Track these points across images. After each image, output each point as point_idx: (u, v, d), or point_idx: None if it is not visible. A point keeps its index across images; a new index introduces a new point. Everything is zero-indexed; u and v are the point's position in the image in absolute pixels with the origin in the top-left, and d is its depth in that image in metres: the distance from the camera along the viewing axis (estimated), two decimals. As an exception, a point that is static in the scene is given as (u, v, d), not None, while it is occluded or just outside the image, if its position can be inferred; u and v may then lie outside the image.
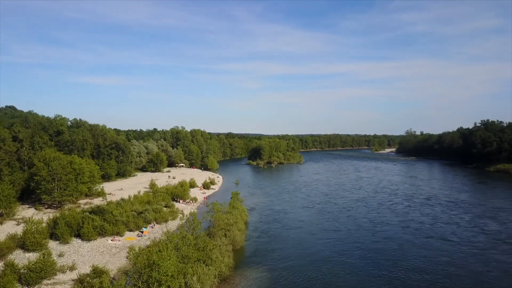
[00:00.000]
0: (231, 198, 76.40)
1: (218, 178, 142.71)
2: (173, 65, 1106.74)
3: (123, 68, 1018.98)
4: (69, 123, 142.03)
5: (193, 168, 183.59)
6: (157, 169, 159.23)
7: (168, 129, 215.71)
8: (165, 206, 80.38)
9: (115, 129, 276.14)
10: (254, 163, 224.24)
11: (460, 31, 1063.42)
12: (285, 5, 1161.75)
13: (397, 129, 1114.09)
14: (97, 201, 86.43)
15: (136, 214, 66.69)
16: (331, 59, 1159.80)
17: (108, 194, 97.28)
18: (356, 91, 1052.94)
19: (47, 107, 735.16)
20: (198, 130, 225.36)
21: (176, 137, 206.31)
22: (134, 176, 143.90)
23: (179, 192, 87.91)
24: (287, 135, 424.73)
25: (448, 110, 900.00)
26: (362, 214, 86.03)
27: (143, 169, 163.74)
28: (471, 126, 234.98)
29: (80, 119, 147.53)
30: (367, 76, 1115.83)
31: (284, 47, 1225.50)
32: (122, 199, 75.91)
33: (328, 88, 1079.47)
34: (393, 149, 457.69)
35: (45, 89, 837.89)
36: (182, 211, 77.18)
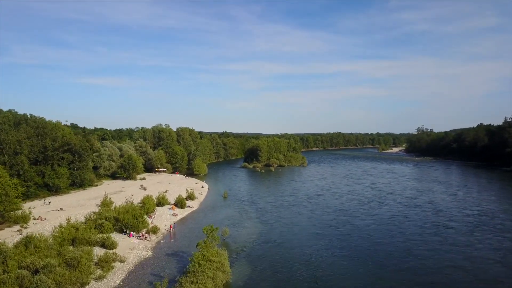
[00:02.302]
0: (197, 246, 46.02)
1: (203, 189, 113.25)
2: (172, 66, 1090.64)
3: (123, 69, 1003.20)
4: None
5: (175, 173, 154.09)
6: (129, 176, 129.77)
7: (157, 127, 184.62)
8: (102, 246, 51.16)
9: (101, 128, 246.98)
10: (251, 166, 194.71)
11: (459, 30, 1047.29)
12: (284, 5, 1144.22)
13: (397, 128, 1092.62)
14: (8, 234, 57.36)
15: (29, 273, 37.44)
16: (331, 58, 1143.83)
17: (36, 219, 68.01)
18: (356, 90, 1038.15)
19: (46, 108, 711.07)
20: (186, 128, 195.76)
21: (158, 136, 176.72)
22: (97, 185, 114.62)
23: (129, 220, 58.26)
24: (286, 134, 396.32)
25: (448, 109, 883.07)
26: (402, 250, 56.81)
27: (115, 176, 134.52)
28: (468, 124, 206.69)
29: (30, 115, 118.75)
30: (367, 75, 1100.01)
31: (284, 47, 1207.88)
32: (26, 238, 46.34)
33: (328, 87, 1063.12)
34: (401, 148, 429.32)
35: (44, 90, 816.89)
36: (124, 257, 47.66)
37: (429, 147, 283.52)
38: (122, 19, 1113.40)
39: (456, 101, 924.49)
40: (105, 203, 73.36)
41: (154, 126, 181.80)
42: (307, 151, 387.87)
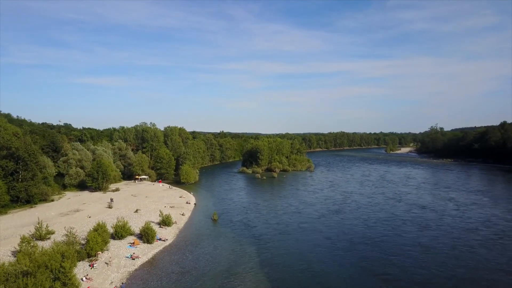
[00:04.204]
0: None
1: (187, 206, 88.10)
2: (171, 65, 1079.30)
3: (122, 69, 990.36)
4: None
5: (158, 182, 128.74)
6: (98, 187, 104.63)
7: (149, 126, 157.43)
8: None
9: (88, 128, 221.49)
10: (249, 170, 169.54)
11: (458, 28, 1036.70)
12: (283, 4, 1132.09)
13: (397, 127, 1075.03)
14: None
15: None
16: (330, 58, 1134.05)
17: None
18: (356, 90, 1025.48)
19: (44, 108, 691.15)
20: (175, 127, 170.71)
21: (141, 137, 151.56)
22: (53, 201, 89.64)
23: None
24: (287, 133, 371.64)
25: (448, 107, 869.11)
26: None
27: (84, 185, 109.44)
28: (469, 123, 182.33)
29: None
30: (365, 74, 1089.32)
31: (282, 46, 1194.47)
32: None
33: (327, 86, 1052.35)
34: (411, 149, 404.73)
35: (43, 90, 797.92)
36: None
37: (445, 148, 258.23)
38: (121, 19, 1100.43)
39: (456, 100, 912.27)
40: (27, 239, 48.23)
41: (137, 125, 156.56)
42: (310, 152, 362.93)
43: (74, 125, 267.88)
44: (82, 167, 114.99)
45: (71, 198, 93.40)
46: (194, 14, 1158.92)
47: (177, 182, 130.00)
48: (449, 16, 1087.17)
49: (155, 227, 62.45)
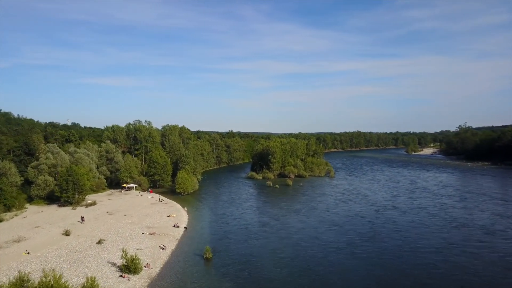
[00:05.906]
0: None
1: (175, 230, 65.78)
2: (179, 65, 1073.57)
3: (131, 69, 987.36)
4: None
5: (149, 192, 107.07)
6: (68, 199, 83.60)
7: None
8: None
9: (89, 127, 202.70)
10: (260, 176, 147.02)
11: (468, 27, 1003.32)
12: (292, 4, 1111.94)
13: (411, 126, 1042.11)
14: None
15: None
16: (338, 57, 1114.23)
17: None
18: (365, 89, 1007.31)
19: (53, 109, 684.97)
20: (175, 126, 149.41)
21: (133, 137, 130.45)
22: (1, 221, 68.84)
23: None
24: (300, 133, 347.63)
25: (457, 107, 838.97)
26: None
27: (55, 197, 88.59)
28: (476, 124, 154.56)
29: None
30: (375, 73, 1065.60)
31: (291, 46, 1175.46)
32: None
33: (336, 86, 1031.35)
34: (434, 150, 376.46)
35: (53, 91, 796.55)
36: None
37: (477, 149, 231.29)
38: (129, 19, 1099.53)
39: (468, 99, 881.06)
40: None
41: (129, 124, 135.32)
42: (325, 152, 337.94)
43: (83, 125, 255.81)
44: (54, 175, 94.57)
45: (28, 217, 72.50)
46: (203, 14, 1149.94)
47: (173, 191, 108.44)
48: (459, 14, 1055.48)
49: (112, 279, 40.65)
